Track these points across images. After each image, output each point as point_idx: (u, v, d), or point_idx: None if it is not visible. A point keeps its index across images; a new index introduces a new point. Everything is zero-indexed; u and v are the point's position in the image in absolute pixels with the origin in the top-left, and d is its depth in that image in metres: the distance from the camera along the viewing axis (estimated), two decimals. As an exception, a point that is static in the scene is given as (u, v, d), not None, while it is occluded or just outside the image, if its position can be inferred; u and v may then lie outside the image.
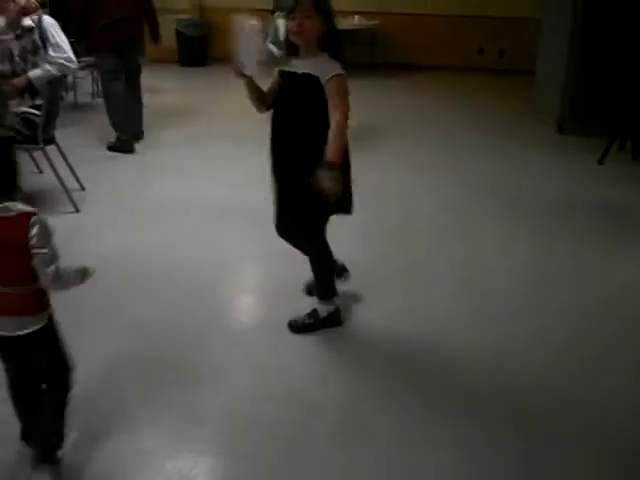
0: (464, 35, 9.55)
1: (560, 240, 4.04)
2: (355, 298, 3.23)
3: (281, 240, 2.93)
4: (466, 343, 2.92)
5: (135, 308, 3.12)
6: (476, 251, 3.86)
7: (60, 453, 2.11)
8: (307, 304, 3.02)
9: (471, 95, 8.36)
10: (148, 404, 2.47)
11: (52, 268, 1.91)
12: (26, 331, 1.96)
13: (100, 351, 2.73)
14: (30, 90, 4.19)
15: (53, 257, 1.91)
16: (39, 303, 1.99)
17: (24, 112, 4.15)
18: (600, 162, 5.57)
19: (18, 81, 4.17)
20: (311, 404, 2.50)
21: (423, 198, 4.71)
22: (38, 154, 4.50)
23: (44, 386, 2.13)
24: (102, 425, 2.34)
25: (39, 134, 4.08)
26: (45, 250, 1.89)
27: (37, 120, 4.08)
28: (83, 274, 2.05)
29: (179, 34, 9.46)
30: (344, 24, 7.21)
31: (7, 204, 1.88)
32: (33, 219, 1.87)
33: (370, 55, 9.17)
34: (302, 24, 2.54)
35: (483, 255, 3.81)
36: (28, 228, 1.87)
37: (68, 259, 2.00)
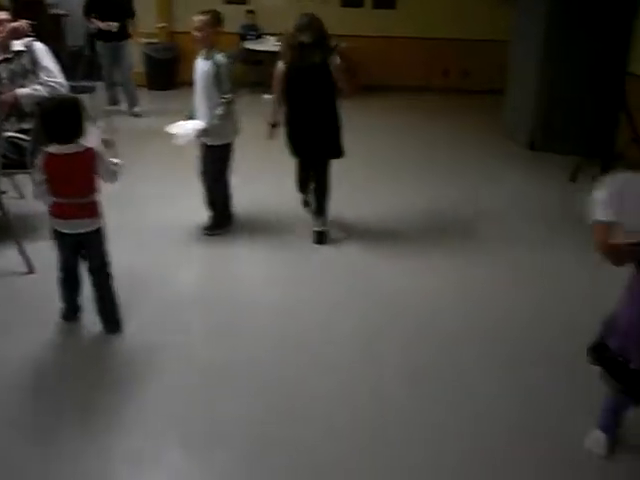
0: (429, 57, 9.76)
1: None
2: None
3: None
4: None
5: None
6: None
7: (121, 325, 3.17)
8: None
9: (440, 115, 8.52)
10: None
11: (109, 178, 3.02)
12: (90, 229, 3.00)
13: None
14: (18, 112, 4.14)
15: (107, 171, 2.98)
16: (98, 210, 3.04)
17: (10, 137, 4.07)
18: (572, 179, 5.73)
19: (4, 97, 4.10)
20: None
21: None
22: (19, 179, 4.51)
23: (91, 277, 3.12)
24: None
25: (28, 158, 3.96)
26: (104, 167, 2.97)
27: (24, 144, 4.01)
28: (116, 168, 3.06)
29: (147, 57, 9.40)
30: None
31: (79, 143, 2.89)
32: (96, 150, 2.93)
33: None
34: None
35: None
36: (94, 156, 2.93)
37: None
